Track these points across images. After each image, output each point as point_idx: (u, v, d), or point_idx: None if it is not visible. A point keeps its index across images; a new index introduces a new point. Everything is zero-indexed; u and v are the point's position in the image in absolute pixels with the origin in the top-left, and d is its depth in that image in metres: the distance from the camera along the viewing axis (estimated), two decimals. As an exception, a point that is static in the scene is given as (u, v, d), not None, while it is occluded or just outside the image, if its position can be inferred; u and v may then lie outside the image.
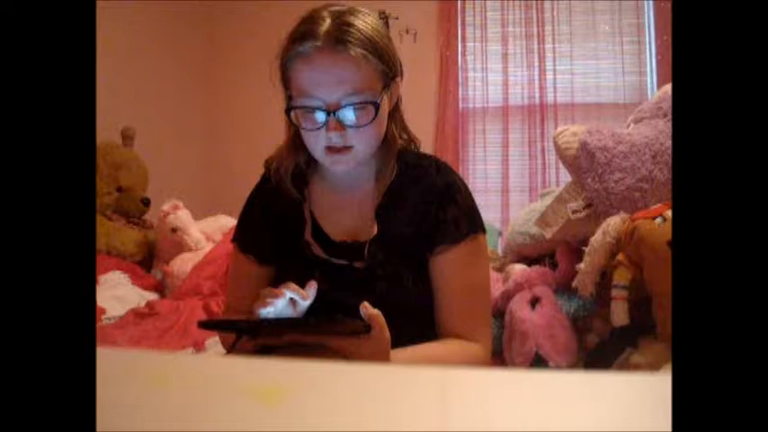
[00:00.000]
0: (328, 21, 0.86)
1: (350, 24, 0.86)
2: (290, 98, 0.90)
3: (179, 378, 0.32)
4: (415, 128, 1.02)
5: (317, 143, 0.89)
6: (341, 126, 0.86)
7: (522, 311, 1.50)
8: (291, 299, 0.81)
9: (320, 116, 0.86)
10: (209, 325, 0.92)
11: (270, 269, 0.99)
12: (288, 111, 0.90)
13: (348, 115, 0.86)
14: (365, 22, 0.88)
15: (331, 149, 0.89)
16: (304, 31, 0.86)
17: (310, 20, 0.87)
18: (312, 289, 0.83)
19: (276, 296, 0.79)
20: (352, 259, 0.93)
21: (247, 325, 0.80)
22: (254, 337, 0.81)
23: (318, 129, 0.87)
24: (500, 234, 2.84)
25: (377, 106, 0.87)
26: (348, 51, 0.84)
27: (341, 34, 0.84)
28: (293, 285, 0.82)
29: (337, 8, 0.89)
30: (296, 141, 0.96)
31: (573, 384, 0.32)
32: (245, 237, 1.03)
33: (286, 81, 0.90)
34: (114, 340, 1.65)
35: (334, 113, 0.86)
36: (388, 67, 0.89)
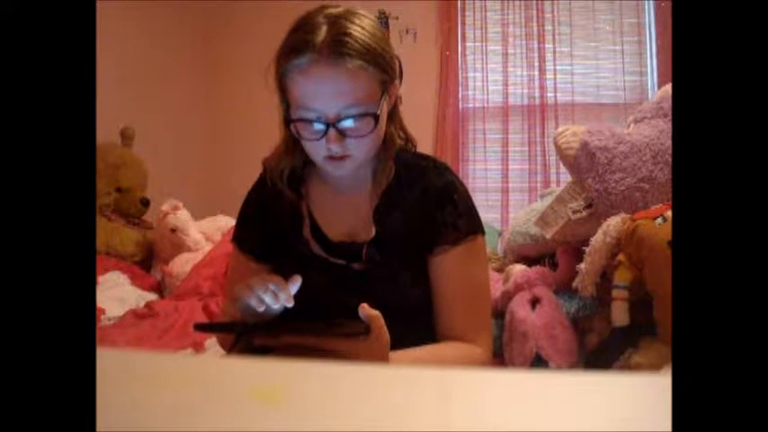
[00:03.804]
0: (324, 29, 0.83)
1: (347, 33, 0.83)
2: (287, 107, 0.90)
3: (179, 378, 0.32)
4: (415, 128, 1.02)
5: (316, 152, 0.89)
6: (341, 137, 0.86)
7: (522, 312, 1.50)
8: (273, 291, 0.79)
9: (319, 126, 0.86)
10: (205, 327, 0.92)
11: (269, 268, 0.99)
12: (287, 122, 0.89)
13: (347, 126, 0.86)
14: (362, 27, 0.85)
15: (331, 158, 0.89)
16: (300, 42, 0.84)
17: (306, 27, 0.85)
18: (294, 285, 0.82)
19: (264, 288, 0.78)
20: (351, 260, 0.92)
21: (243, 327, 0.79)
22: (250, 338, 0.80)
23: (318, 139, 0.87)
24: (500, 234, 2.84)
25: (376, 117, 0.86)
26: (346, 64, 0.82)
27: (338, 46, 0.82)
28: (279, 279, 0.81)
29: (333, 12, 0.86)
30: (292, 144, 0.96)
31: (573, 385, 0.32)
32: (243, 236, 1.02)
33: (283, 90, 0.89)
34: (114, 341, 1.65)
35: (334, 125, 0.85)
36: (386, 73, 0.88)
